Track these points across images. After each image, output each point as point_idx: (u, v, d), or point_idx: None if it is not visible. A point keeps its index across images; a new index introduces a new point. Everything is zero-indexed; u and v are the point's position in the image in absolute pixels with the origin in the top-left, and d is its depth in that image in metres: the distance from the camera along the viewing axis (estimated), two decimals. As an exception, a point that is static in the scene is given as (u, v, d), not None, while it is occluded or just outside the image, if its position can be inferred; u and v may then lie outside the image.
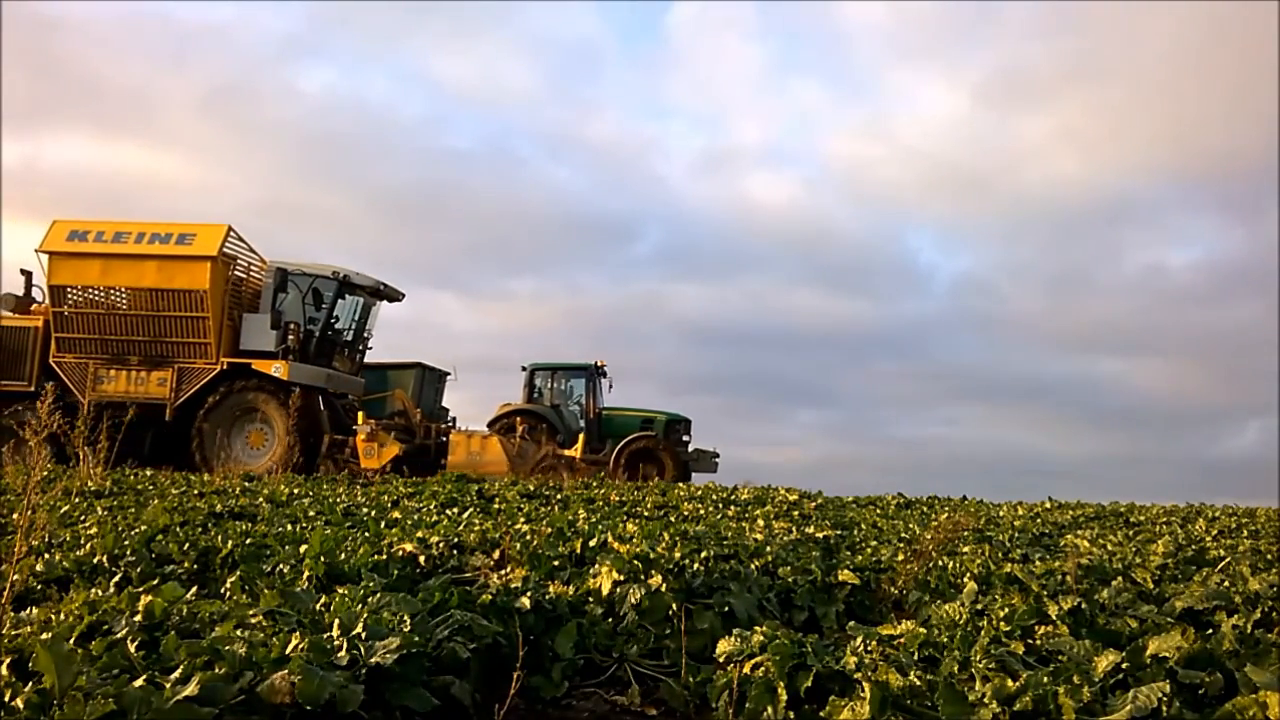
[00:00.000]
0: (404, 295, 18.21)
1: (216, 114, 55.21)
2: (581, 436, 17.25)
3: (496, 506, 7.87)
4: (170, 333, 15.78)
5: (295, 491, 8.74)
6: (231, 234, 15.84)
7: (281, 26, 62.67)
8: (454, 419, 17.65)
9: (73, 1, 55.48)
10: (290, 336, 15.89)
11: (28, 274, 16.81)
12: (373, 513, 6.81)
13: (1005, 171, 58.58)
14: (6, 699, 2.05)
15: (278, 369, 15.50)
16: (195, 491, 8.34)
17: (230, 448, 15.41)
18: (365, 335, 18.02)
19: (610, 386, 19.49)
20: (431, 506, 7.70)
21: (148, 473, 11.71)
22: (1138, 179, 57.51)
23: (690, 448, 19.73)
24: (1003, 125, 59.70)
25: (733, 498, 10.44)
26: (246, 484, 9.44)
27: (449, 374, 19.80)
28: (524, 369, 19.59)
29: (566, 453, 16.51)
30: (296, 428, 15.42)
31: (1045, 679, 2.35)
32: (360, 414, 16.19)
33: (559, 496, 9.50)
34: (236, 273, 16.29)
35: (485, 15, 64.33)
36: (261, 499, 7.71)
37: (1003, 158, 59.84)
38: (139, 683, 2.08)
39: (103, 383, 15.79)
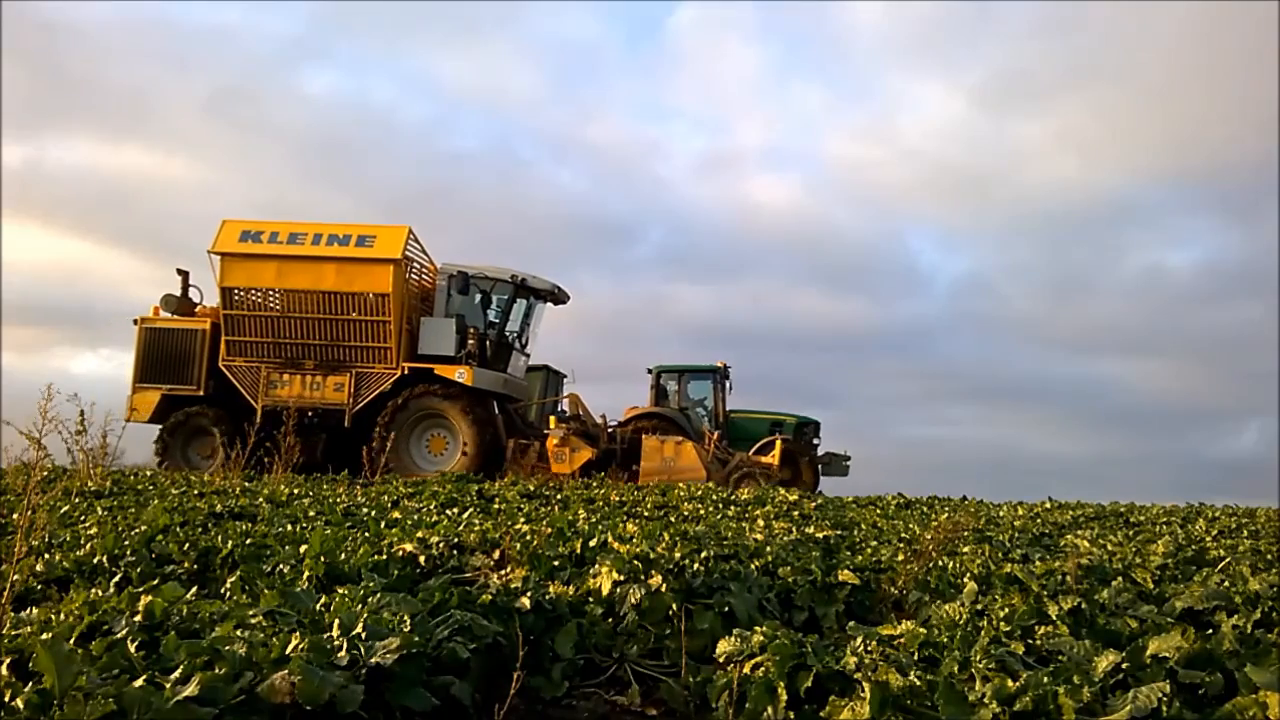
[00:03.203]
0: (570, 297, 17.63)
1: (220, 115, 55.26)
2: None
3: (496, 506, 7.87)
4: (349, 337, 15.27)
5: (295, 492, 8.74)
6: (411, 236, 15.36)
7: (285, 29, 62.85)
8: (603, 416, 17.16)
9: (75, 2, 55.53)
10: (470, 341, 15.50)
11: (184, 274, 16.29)
12: (373, 513, 6.80)
13: (1005, 173, 58.72)
14: (6, 699, 2.05)
15: (461, 374, 15.04)
16: (195, 492, 8.34)
17: (410, 454, 15.12)
18: (528, 338, 17.44)
19: (731, 388, 18.49)
20: (431, 506, 7.69)
21: (148, 473, 11.70)
22: (1137, 180, 57.61)
23: (820, 450, 18.72)
24: (1002, 127, 59.87)
25: (733, 498, 10.44)
26: (246, 484, 9.43)
27: (566, 375, 19.45)
28: (649, 371, 18.83)
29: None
30: (480, 434, 15.09)
31: (1045, 679, 2.35)
32: (552, 419, 15.82)
33: (559, 497, 9.51)
34: (411, 275, 15.83)
35: (488, 17, 64.42)
36: (261, 499, 7.71)
37: (1003, 159, 60.01)
38: (139, 683, 2.08)
39: (276, 388, 15.25)
